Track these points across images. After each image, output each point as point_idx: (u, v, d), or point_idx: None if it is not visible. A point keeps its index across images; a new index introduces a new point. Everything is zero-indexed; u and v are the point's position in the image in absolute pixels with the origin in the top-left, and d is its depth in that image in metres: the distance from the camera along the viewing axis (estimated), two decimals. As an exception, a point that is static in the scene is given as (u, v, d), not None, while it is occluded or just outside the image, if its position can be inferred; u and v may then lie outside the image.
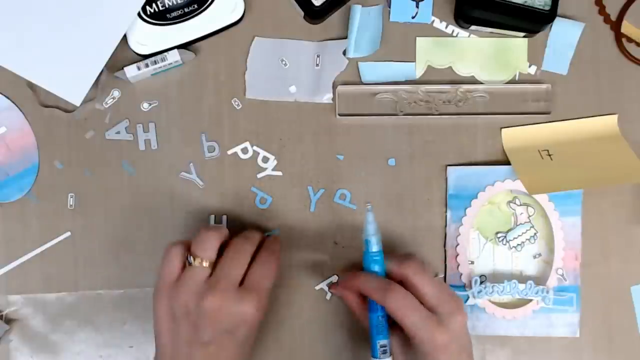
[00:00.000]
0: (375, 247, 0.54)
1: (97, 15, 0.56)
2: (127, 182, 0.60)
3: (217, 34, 0.59)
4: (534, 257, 0.61)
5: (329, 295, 0.60)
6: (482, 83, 0.61)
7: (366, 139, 0.60)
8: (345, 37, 0.59)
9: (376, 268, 0.54)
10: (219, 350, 0.51)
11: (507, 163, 0.60)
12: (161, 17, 0.57)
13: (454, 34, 0.61)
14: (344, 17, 0.60)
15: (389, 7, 0.60)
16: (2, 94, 0.59)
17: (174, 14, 0.57)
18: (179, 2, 0.57)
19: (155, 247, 0.59)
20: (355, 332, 0.60)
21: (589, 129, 0.61)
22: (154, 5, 0.57)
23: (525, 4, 0.57)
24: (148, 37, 0.57)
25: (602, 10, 0.61)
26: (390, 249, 0.59)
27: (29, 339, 0.59)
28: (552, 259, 0.60)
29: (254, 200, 0.60)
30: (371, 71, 0.60)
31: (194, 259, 0.51)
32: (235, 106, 0.60)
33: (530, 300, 0.60)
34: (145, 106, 0.60)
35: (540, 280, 0.61)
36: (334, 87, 0.60)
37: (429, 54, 0.60)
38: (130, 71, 0.58)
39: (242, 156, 0.60)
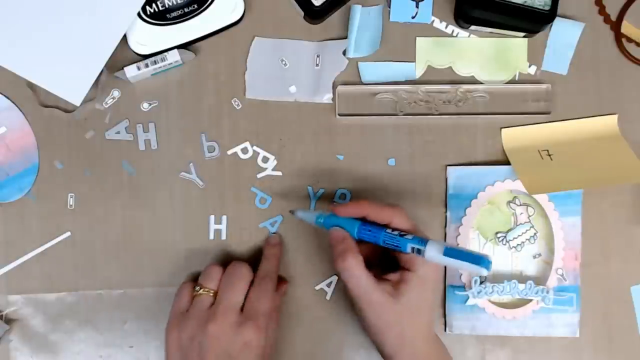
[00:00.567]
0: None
1: (97, 15, 0.56)
2: (127, 182, 0.60)
3: (217, 34, 0.59)
4: (534, 257, 0.61)
5: (329, 295, 0.60)
6: (482, 83, 0.61)
7: (366, 139, 0.60)
8: (345, 37, 0.59)
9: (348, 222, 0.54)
10: None
11: (507, 163, 0.60)
12: (161, 17, 0.57)
13: (454, 34, 0.61)
14: (344, 17, 0.60)
15: (389, 7, 0.60)
16: (2, 94, 0.59)
17: (174, 14, 0.57)
18: (179, 2, 0.57)
19: (156, 247, 0.59)
20: (355, 332, 0.60)
21: (589, 129, 0.61)
22: (153, 5, 0.57)
23: (525, 4, 0.57)
24: (148, 37, 0.57)
25: (602, 10, 0.61)
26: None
27: (29, 339, 0.59)
28: (552, 259, 0.60)
29: (254, 200, 0.60)
30: (371, 71, 0.60)
31: (201, 289, 0.54)
32: (235, 106, 0.60)
33: (530, 300, 0.60)
34: (145, 106, 0.60)
35: (540, 280, 0.61)
36: (334, 87, 0.60)
37: (429, 54, 0.60)
38: (130, 71, 0.58)
39: (242, 156, 0.60)
